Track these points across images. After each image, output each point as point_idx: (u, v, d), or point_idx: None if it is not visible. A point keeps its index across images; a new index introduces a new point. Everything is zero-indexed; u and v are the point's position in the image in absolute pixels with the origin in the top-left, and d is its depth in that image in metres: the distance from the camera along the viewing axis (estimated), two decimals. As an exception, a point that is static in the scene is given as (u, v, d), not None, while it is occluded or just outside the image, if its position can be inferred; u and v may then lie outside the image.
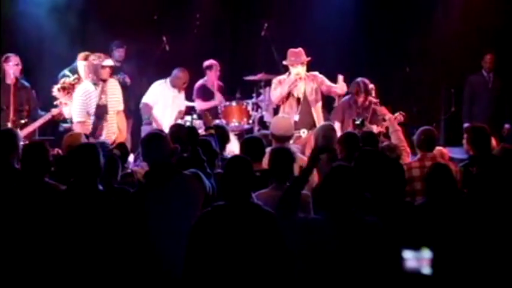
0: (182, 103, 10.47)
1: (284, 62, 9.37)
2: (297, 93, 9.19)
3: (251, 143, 6.58)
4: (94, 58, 8.72)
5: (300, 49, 9.25)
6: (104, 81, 8.68)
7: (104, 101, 8.69)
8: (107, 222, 4.88)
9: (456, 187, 5.42)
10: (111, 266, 4.84)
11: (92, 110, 8.59)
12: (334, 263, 4.49)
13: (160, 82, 10.39)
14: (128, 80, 10.55)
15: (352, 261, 4.49)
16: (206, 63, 10.96)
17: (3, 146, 5.84)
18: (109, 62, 8.73)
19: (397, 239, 4.73)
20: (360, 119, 8.36)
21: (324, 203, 4.65)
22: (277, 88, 9.21)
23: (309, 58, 9.23)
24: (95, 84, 8.65)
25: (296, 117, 9.04)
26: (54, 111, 9.14)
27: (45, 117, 9.17)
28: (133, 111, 10.66)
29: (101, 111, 8.62)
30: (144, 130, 9.95)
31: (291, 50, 9.28)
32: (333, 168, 4.73)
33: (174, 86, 10.39)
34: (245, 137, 7.59)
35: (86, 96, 8.61)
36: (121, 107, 8.89)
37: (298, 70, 9.15)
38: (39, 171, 5.33)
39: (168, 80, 10.40)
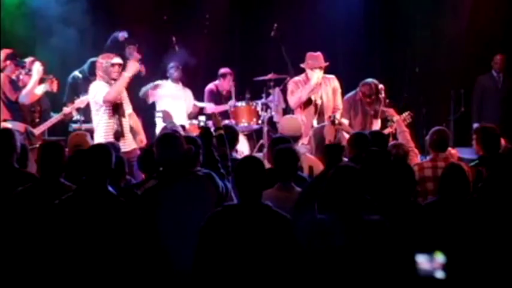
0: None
1: (302, 65, 9.35)
2: (314, 98, 9.18)
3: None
4: (103, 57, 8.80)
5: (318, 53, 9.24)
6: (115, 80, 8.72)
7: (119, 100, 8.74)
8: (116, 223, 4.88)
9: (469, 188, 5.39)
10: (119, 265, 4.84)
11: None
12: (342, 263, 4.48)
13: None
14: (143, 69, 10.57)
15: (360, 261, 4.48)
16: (221, 71, 10.98)
17: (2, 146, 5.87)
18: (117, 60, 8.78)
19: (406, 239, 4.72)
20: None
21: (330, 204, 4.63)
22: (295, 93, 9.17)
23: (328, 63, 9.21)
24: (107, 82, 8.70)
25: (315, 122, 9.05)
26: (66, 110, 9.23)
27: (57, 117, 9.28)
28: (143, 110, 10.65)
29: (120, 110, 8.69)
30: None
31: (310, 53, 9.26)
32: (337, 168, 4.71)
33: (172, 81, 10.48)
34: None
35: (102, 92, 8.63)
36: (130, 109, 8.95)
37: (317, 75, 9.13)
38: (55, 172, 5.36)
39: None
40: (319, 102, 9.15)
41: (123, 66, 8.80)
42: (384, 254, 4.49)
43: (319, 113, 9.17)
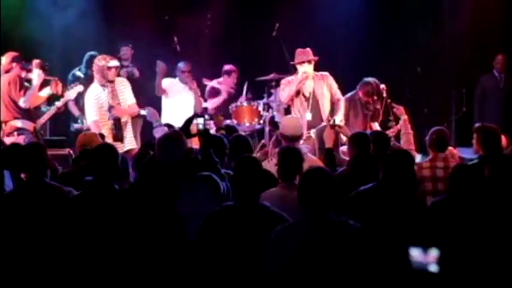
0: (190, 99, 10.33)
1: (292, 62, 9.38)
2: (303, 91, 9.19)
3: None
4: (100, 60, 8.80)
5: (307, 48, 9.26)
6: (111, 82, 8.74)
7: (114, 103, 8.74)
8: (125, 222, 4.84)
9: (479, 188, 5.36)
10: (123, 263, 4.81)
11: (106, 112, 8.66)
12: (314, 271, 4.23)
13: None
14: (136, 72, 10.54)
15: (332, 266, 4.24)
16: (226, 67, 10.94)
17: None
18: (114, 63, 8.78)
19: (401, 240, 4.67)
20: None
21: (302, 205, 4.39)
22: (285, 88, 9.21)
23: (317, 57, 9.24)
24: (103, 85, 8.73)
25: (308, 116, 9.04)
26: (58, 104, 9.27)
27: (52, 110, 9.32)
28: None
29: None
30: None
31: (299, 49, 9.30)
32: (307, 172, 4.52)
33: (181, 81, 10.29)
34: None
35: (96, 98, 8.68)
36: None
37: (305, 68, 9.15)
38: (38, 172, 5.33)
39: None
40: (308, 95, 9.16)
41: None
42: (360, 262, 4.24)
43: (312, 107, 9.15)
